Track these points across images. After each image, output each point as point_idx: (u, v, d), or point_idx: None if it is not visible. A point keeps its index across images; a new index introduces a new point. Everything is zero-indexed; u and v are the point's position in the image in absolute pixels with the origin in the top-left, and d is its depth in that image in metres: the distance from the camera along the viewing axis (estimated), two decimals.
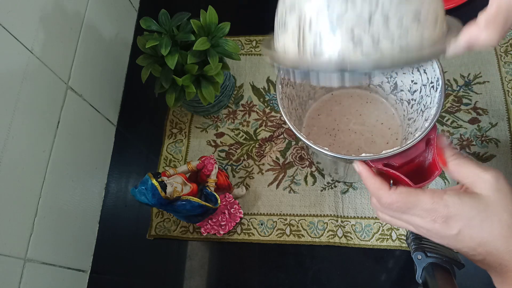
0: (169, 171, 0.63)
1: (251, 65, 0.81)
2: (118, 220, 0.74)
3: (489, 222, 0.32)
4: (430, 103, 0.43)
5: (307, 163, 0.72)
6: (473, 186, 0.34)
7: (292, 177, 0.72)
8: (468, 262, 0.40)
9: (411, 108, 0.50)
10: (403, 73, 0.49)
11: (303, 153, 0.73)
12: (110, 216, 0.74)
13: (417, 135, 0.38)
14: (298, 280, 0.66)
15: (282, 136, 0.75)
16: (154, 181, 0.55)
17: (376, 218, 0.67)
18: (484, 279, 0.62)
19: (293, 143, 0.74)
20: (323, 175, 0.71)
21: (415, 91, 0.48)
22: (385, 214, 0.38)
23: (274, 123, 0.76)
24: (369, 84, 0.55)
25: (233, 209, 0.68)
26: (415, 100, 0.49)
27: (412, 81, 0.48)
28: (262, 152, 0.74)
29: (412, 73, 0.47)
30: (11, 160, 0.52)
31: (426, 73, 0.44)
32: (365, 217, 0.68)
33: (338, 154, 0.40)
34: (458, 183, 0.38)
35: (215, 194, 0.63)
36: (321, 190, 0.70)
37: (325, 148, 0.38)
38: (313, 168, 0.72)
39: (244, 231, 0.70)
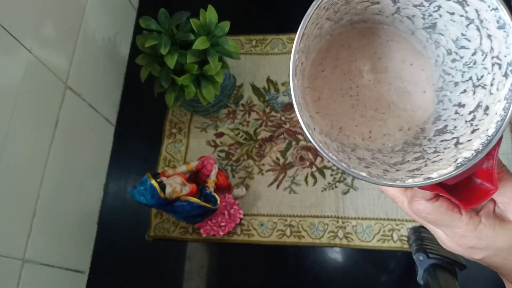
0: (168, 171, 0.62)
1: (251, 65, 0.81)
2: (117, 221, 0.73)
3: None
4: (491, 85, 0.33)
5: (308, 163, 0.72)
6: (507, 210, 0.32)
7: (292, 177, 0.72)
8: (469, 263, 0.39)
9: (452, 62, 0.38)
10: (452, 20, 0.36)
11: (304, 153, 0.73)
12: (109, 217, 0.74)
13: (476, 144, 0.30)
14: (299, 281, 0.66)
15: (282, 136, 0.74)
16: (153, 182, 0.55)
17: (377, 219, 0.67)
18: (485, 280, 0.62)
19: (293, 143, 0.74)
20: (324, 176, 0.71)
21: (463, 47, 0.37)
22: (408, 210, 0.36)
23: (274, 123, 0.76)
24: (394, 13, 0.41)
25: (233, 210, 0.68)
26: (460, 57, 0.37)
27: (463, 34, 0.36)
28: (262, 152, 0.74)
29: (467, 27, 0.35)
30: (9, 161, 0.52)
31: (491, 40, 0.33)
32: (366, 218, 0.67)
33: (376, 180, 0.30)
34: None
35: (215, 194, 0.63)
36: (322, 191, 0.70)
37: (361, 174, 0.30)
38: (314, 169, 0.71)
39: (244, 232, 0.69)
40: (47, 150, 0.60)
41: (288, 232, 0.68)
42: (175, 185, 0.58)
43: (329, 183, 0.70)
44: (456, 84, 0.37)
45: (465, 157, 0.29)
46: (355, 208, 0.68)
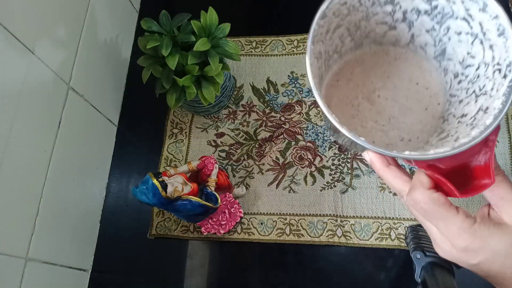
0: (169, 171, 0.63)
1: (251, 66, 0.82)
2: (119, 220, 0.74)
3: None
4: (492, 89, 0.34)
5: (307, 163, 0.73)
6: (502, 211, 0.31)
7: (292, 177, 0.72)
8: None
9: (458, 84, 0.40)
10: (459, 41, 0.38)
11: (303, 153, 0.74)
12: (111, 216, 0.74)
13: (473, 133, 0.30)
14: (298, 279, 0.67)
15: (282, 136, 0.75)
16: (155, 181, 0.55)
17: (375, 217, 0.68)
18: (483, 279, 0.63)
19: (293, 143, 0.75)
20: (323, 175, 0.72)
21: (469, 65, 0.39)
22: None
23: (274, 123, 0.76)
24: (409, 43, 0.43)
25: (233, 209, 0.69)
26: (466, 77, 0.39)
27: (468, 53, 0.38)
28: (262, 152, 0.75)
29: (472, 43, 0.37)
30: (13, 160, 0.53)
31: (492, 49, 0.35)
32: (364, 217, 0.68)
33: (374, 146, 0.31)
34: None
35: (216, 193, 0.63)
36: (321, 190, 0.71)
37: (361, 138, 0.31)
38: (313, 168, 0.72)
39: (244, 230, 0.70)
40: (50, 150, 0.61)
41: (287, 231, 0.69)
42: (177, 185, 0.58)
43: (328, 182, 0.71)
44: (461, 101, 0.38)
45: (463, 142, 0.30)
46: (353, 207, 0.69)
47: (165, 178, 0.59)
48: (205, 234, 0.68)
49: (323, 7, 0.36)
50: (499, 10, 0.32)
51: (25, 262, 0.55)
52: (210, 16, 0.64)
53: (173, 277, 0.69)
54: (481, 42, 0.35)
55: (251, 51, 0.83)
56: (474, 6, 0.34)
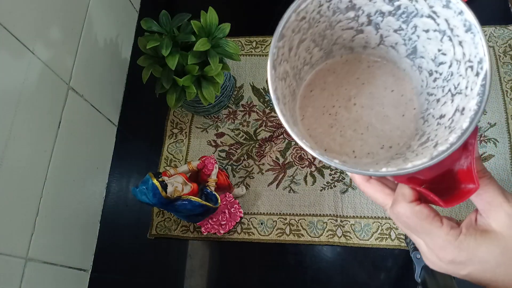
0: (169, 171, 0.63)
1: (251, 66, 0.82)
2: (119, 220, 0.74)
3: (505, 267, 0.29)
4: (466, 88, 0.33)
5: (307, 163, 0.73)
6: (489, 217, 0.30)
7: (292, 177, 0.72)
8: None
9: (434, 82, 0.40)
10: (428, 38, 0.38)
11: (303, 153, 0.74)
12: (111, 216, 0.75)
13: (451, 139, 0.30)
14: (298, 279, 0.67)
15: (282, 136, 0.75)
16: (155, 181, 0.55)
17: (375, 217, 0.68)
18: None
19: (293, 143, 0.75)
20: (323, 175, 0.72)
21: (442, 63, 0.38)
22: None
23: (274, 123, 0.76)
24: (379, 44, 0.43)
25: (233, 209, 0.69)
26: (440, 74, 0.39)
27: (439, 50, 0.38)
28: (262, 152, 0.75)
29: (441, 40, 0.36)
30: (13, 160, 0.53)
31: (462, 46, 0.34)
32: (364, 217, 0.68)
33: (348, 167, 0.30)
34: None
35: (216, 193, 0.63)
36: (321, 190, 0.71)
37: (335, 160, 0.31)
38: (313, 168, 0.72)
39: (244, 230, 0.70)
40: (50, 150, 0.61)
41: (287, 231, 0.69)
42: (177, 185, 0.58)
43: (328, 182, 0.71)
44: (438, 100, 0.38)
45: (441, 150, 0.29)
46: (353, 207, 0.69)
47: (165, 178, 0.59)
48: (205, 234, 0.68)
49: (278, 29, 0.35)
50: (462, 6, 0.32)
51: (25, 262, 0.55)
52: (210, 16, 0.64)
53: (173, 277, 0.69)
54: (450, 39, 0.35)
55: (251, 51, 0.83)
56: (437, 3, 0.33)
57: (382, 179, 0.36)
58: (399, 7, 0.36)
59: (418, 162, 0.29)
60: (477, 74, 0.32)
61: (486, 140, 0.71)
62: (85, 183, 0.70)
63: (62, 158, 0.63)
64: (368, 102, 0.44)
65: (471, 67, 0.33)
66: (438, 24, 0.35)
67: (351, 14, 0.38)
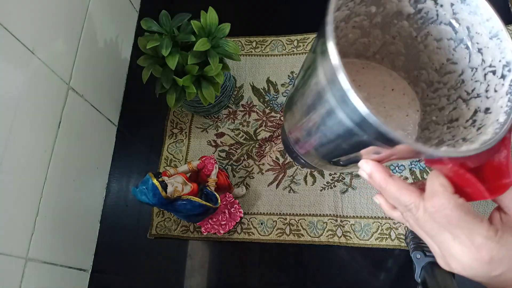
0: (169, 170, 0.63)
1: (251, 66, 0.82)
2: (119, 220, 0.74)
3: None
4: (486, 91, 0.32)
5: None
6: None
7: (292, 177, 0.72)
8: None
9: (434, 92, 0.38)
10: (437, 48, 0.36)
11: None
12: (111, 216, 0.75)
13: (490, 130, 0.29)
14: (298, 279, 0.67)
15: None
16: (155, 181, 0.55)
17: (375, 217, 0.68)
18: None
19: None
20: (323, 175, 0.72)
21: (448, 72, 0.37)
22: (407, 217, 0.31)
23: (274, 123, 0.76)
24: (375, 54, 0.42)
25: (233, 209, 0.69)
26: (444, 84, 0.37)
27: (448, 59, 0.36)
28: (262, 152, 0.75)
29: (454, 50, 0.34)
30: (13, 160, 0.53)
31: (481, 53, 0.32)
32: (364, 217, 0.68)
33: (416, 144, 0.26)
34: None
35: (216, 193, 0.63)
36: (321, 190, 0.71)
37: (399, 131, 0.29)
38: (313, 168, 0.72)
39: (244, 230, 0.70)
40: (50, 150, 0.61)
41: (287, 231, 0.69)
42: (177, 185, 0.58)
43: (328, 182, 0.71)
44: (441, 108, 0.37)
45: (490, 138, 0.28)
46: (353, 207, 0.69)
47: (165, 178, 0.59)
48: (205, 234, 0.68)
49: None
50: (491, 12, 0.31)
51: (25, 262, 0.55)
52: (210, 16, 0.64)
53: (173, 277, 0.69)
54: (467, 47, 0.34)
55: (251, 51, 0.83)
56: (465, 8, 0.32)
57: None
58: (420, 10, 0.35)
59: (473, 146, 0.28)
60: (503, 77, 0.31)
61: None
62: (85, 183, 0.70)
63: (62, 158, 0.63)
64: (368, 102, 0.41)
65: (493, 71, 0.32)
66: (456, 32, 0.34)
67: (373, 9, 0.36)
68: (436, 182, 0.28)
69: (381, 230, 0.67)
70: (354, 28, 0.39)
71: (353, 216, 0.68)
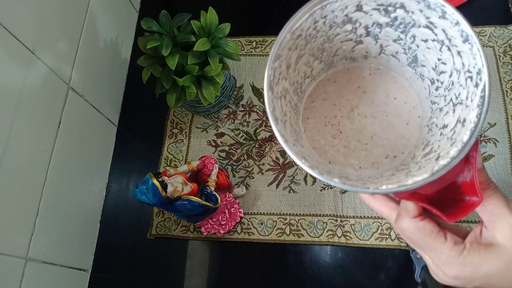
0: (169, 171, 0.63)
1: (251, 66, 0.82)
2: (119, 220, 0.74)
3: (510, 281, 0.29)
4: (467, 98, 0.32)
5: None
6: (494, 229, 0.30)
7: (292, 177, 0.72)
8: None
9: (436, 90, 0.39)
10: (427, 48, 0.37)
11: None
12: (111, 216, 0.75)
13: (452, 152, 0.29)
14: (298, 279, 0.67)
15: None
16: (155, 181, 0.55)
17: (375, 217, 0.68)
18: None
19: None
20: None
21: (442, 72, 0.37)
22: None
23: None
24: (380, 53, 0.42)
25: (233, 209, 0.69)
26: (441, 83, 0.38)
27: (439, 59, 0.37)
28: (262, 152, 0.75)
29: (441, 50, 0.35)
30: (13, 160, 0.53)
31: (461, 56, 0.33)
32: (364, 217, 0.68)
33: (349, 186, 0.30)
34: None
35: (216, 193, 0.63)
36: (321, 190, 0.71)
37: (335, 180, 0.30)
38: None
39: (244, 230, 0.70)
40: (50, 150, 0.61)
41: (287, 231, 0.69)
42: (177, 185, 0.58)
43: None
44: (441, 109, 0.38)
45: (441, 165, 0.29)
46: (353, 207, 0.69)
47: (165, 178, 0.59)
48: (205, 234, 0.68)
49: (273, 50, 0.35)
50: (458, 17, 0.31)
51: (25, 262, 0.55)
52: (210, 16, 0.64)
53: (173, 277, 0.69)
54: (449, 49, 0.35)
55: (251, 51, 0.83)
56: (433, 14, 0.33)
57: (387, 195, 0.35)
58: (396, 18, 0.36)
59: (419, 178, 0.29)
60: (477, 85, 0.31)
61: (486, 140, 0.71)
62: (85, 183, 0.70)
63: (62, 158, 0.63)
64: (370, 110, 0.43)
65: (471, 77, 0.32)
66: (436, 34, 0.35)
67: (349, 27, 0.38)
68: (402, 205, 0.31)
69: (381, 230, 0.67)
70: (343, 42, 0.40)
71: (353, 216, 0.68)
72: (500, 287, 0.30)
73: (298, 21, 0.35)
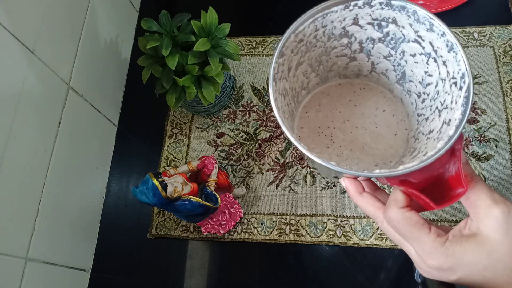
0: (169, 171, 0.63)
1: (251, 66, 0.82)
2: (119, 220, 0.74)
3: (493, 269, 0.30)
4: (451, 102, 0.35)
5: (307, 163, 0.73)
6: (478, 220, 0.31)
7: (292, 177, 0.72)
8: None
9: (422, 103, 0.42)
10: (415, 62, 0.40)
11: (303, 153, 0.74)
12: (111, 216, 0.75)
13: (439, 145, 0.32)
14: (298, 279, 0.67)
15: (282, 136, 0.75)
16: (155, 181, 0.55)
17: None
18: None
19: (293, 143, 0.74)
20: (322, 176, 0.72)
21: (428, 84, 0.40)
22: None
23: (274, 123, 0.76)
24: (371, 71, 0.45)
25: (233, 209, 0.69)
26: (427, 95, 0.41)
27: (426, 72, 0.40)
28: (262, 152, 0.75)
29: (427, 63, 0.38)
30: (13, 160, 0.53)
31: (446, 65, 0.36)
32: (364, 217, 0.68)
33: (347, 170, 0.32)
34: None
35: (216, 193, 0.63)
36: (321, 190, 0.71)
37: (331, 162, 0.33)
38: (313, 168, 0.72)
39: (244, 230, 0.70)
40: (50, 150, 0.61)
41: (287, 231, 0.69)
42: (177, 185, 0.58)
43: (328, 182, 0.71)
44: (427, 119, 0.41)
45: (430, 155, 0.31)
46: (353, 207, 0.69)
47: (165, 178, 0.59)
48: (205, 234, 0.68)
49: (279, 46, 0.38)
50: (444, 28, 0.35)
51: (25, 262, 0.55)
52: (210, 16, 0.64)
53: (173, 277, 0.69)
54: (435, 60, 0.38)
55: (251, 51, 0.83)
56: (421, 27, 0.36)
57: (375, 193, 0.38)
58: (387, 33, 0.39)
59: (409, 164, 0.31)
60: (461, 88, 0.35)
61: (486, 140, 0.71)
62: (85, 183, 0.70)
63: (62, 158, 0.63)
64: (361, 122, 0.47)
65: (455, 83, 0.36)
66: (423, 48, 0.38)
67: (345, 40, 0.41)
68: (392, 196, 0.33)
69: (381, 230, 0.67)
70: (338, 57, 0.43)
71: (353, 216, 0.68)
72: (483, 276, 0.30)
73: (302, 25, 0.39)
